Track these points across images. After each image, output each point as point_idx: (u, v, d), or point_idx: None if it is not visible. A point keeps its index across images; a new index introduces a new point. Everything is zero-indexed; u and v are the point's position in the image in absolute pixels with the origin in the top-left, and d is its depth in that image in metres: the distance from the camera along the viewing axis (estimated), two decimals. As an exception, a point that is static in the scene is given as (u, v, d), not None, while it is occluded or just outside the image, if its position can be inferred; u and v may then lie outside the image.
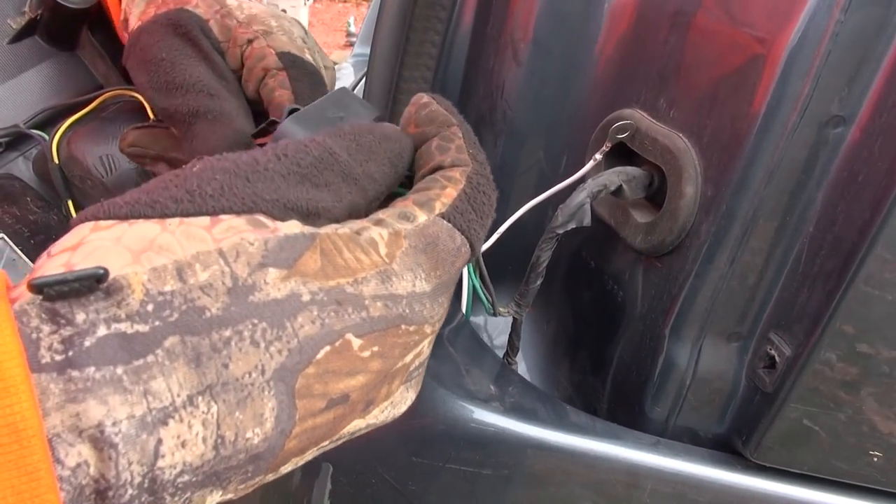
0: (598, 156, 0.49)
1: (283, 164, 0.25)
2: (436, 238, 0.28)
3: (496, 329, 0.65)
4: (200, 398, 0.20)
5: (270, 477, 0.25)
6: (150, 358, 0.19)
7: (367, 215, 0.29)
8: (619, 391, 0.54)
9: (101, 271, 0.19)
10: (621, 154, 0.50)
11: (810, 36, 0.39)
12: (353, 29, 6.20)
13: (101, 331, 0.19)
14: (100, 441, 0.18)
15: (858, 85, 0.38)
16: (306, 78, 0.40)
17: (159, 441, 0.19)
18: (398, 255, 0.26)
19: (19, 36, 0.53)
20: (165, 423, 0.20)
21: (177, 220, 0.22)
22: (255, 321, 0.22)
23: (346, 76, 1.34)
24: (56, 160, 0.48)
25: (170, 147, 0.41)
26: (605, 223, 0.53)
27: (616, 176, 0.47)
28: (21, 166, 0.53)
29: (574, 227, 0.45)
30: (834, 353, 0.41)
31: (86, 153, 0.47)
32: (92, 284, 0.19)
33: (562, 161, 0.59)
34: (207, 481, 0.21)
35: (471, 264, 0.43)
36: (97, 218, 0.22)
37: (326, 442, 0.26)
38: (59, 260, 0.21)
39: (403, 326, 0.26)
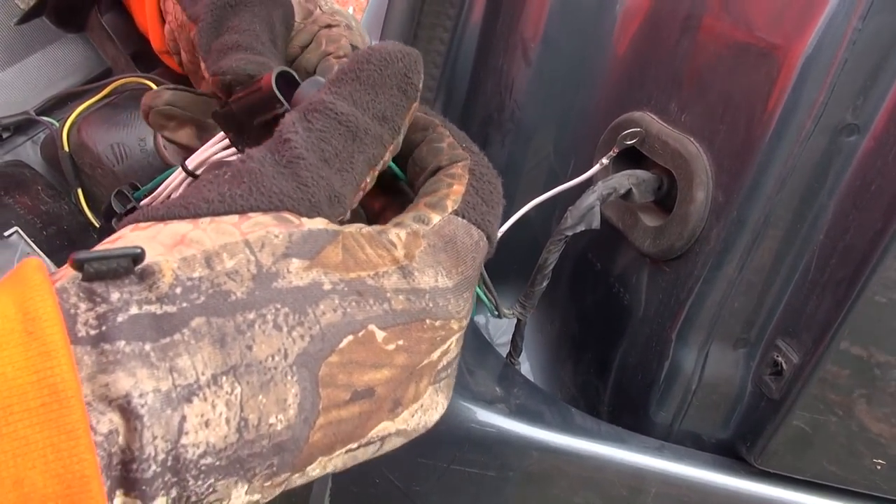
0: (605, 160, 0.49)
1: (304, 163, 0.26)
2: (453, 236, 0.28)
3: (498, 329, 0.65)
4: (224, 378, 0.21)
5: (298, 479, 0.25)
6: (177, 336, 0.20)
7: (391, 156, 0.30)
8: (623, 394, 0.54)
9: (138, 250, 0.21)
10: (630, 156, 0.50)
11: (827, 43, 0.38)
12: (352, 20, 6.16)
13: (133, 310, 0.20)
14: (127, 411, 0.19)
15: (874, 94, 0.38)
16: None
17: (183, 417, 0.20)
18: (417, 254, 0.27)
19: (27, 17, 0.53)
20: (190, 401, 0.20)
21: (208, 219, 0.24)
22: (279, 306, 0.22)
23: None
24: (66, 148, 0.47)
25: (201, 112, 0.41)
26: (613, 226, 0.53)
27: (626, 179, 0.47)
28: (29, 150, 0.52)
29: (583, 229, 0.45)
30: (842, 362, 0.41)
31: (96, 141, 0.47)
32: (128, 264, 0.20)
33: (570, 161, 0.59)
34: (231, 469, 0.21)
35: None
36: (137, 221, 0.24)
37: (355, 445, 0.26)
38: None
39: (428, 321, 0.26)
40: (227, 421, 0.21)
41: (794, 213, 0.42)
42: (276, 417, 0.22)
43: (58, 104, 0.53)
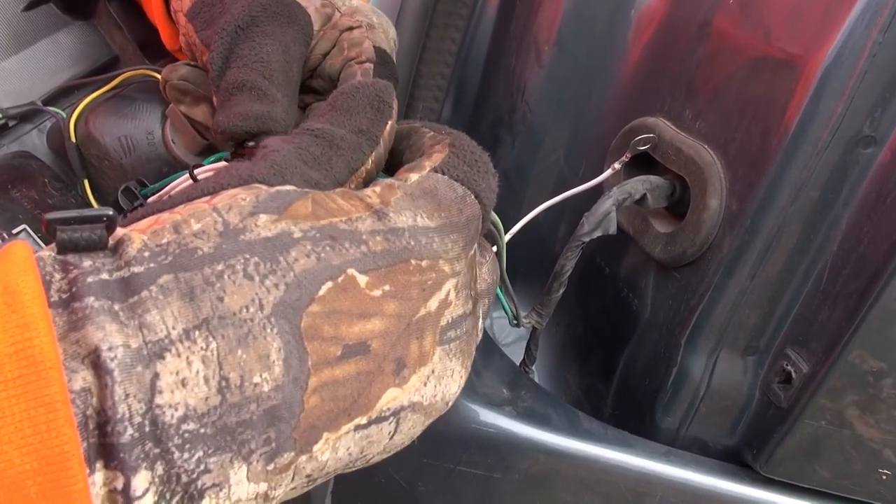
0: (616, 165, 0.49)
1: (279, 154, 0.27)
2: (434, 188, 0.27)
3: (503, 331, 0.65)
4: (197, 332, 0.20)
5: (307, 463, 0.23)
6: (144, 293, 0.20)
7: (377, 169, 0.30)
8: (628, 398, 0.54)
9: (110, 211, 0.21)
10: (640, 162, 0.50)
11: (847, 55, 0.39)
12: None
13: (104, 276, 0.20)
14: (98, 367, 0.19)
15: (892, 106, 0.39)
16: (387, 79, 0.40)
17: (156, 375, 0.19)
18: (393, 200, 0.26)
19: (35, 3, 0.52)
20: (162, 357, 0.19)
21: (183, 204, 0.24)
22: (247, 256, 0.22)
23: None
24: (73, 139, 0.46)
25: None
26: (623, 231, 0.53)
27: (640, 184, 0.47)
28: (35, 139, 0.51)
29: (600, 234, 0.45)
30: (851, 373, 0.41)
31: (104, 133, 0.46)
32: (101, 233, 0.21)
33: (580, 165, 0.59)
34: (221, 440, 0.20)
35: None
36: (123, 226, 0.24)
37: (364, 419, 0.24)
38: None
39: (413, 261, 0.25)
40: (206, 380, 0.20)
41: (808, 224, 0.42)
42: (261, 376, 0.21)
43: (64, 93, 0.52)
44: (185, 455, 0.20)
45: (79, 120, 0.46)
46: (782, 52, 0.42)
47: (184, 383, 0.20)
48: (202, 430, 0.20)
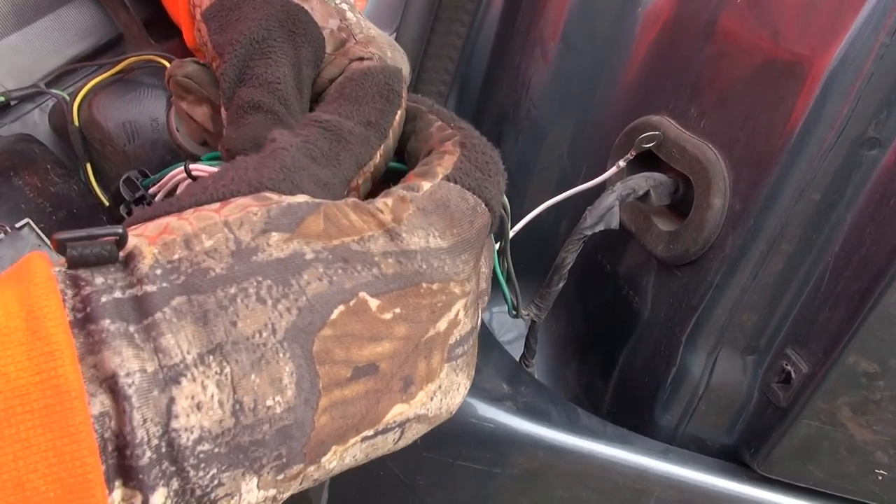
0: (621, 163, 0.49)
1: (288, 154, 0.27)
2: (445, 200, 0.27)
3: (502, 326, 0.65)
4: (211, 357, 0.20)
5: (315, 473, 0.24)
6: (158, 315, 0.20)
7: (384, 161, 0.30)
8: (627, 395, 0.54)
9: (121, 230, 0.20)
10: (644, 160, 0.50)
11: (853, 57, 0.39)
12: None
13: (117, 294, 0.20)
14: (115, 393, 0.19)
15: (898, 109, 0.39)
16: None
17: (172, 399, 0.19)
18: (405, 216, 0.26)
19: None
20: (177, 382, 0.20)
21: (191, 210, 0.24)
22: (260, 279, 0.22)
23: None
24: (77, 122, 0.46)
25: (218, 95, 0.40)
26: (625, 228, 0.53)
27: (644, 181, 0.47)
28: (36, 118, 0.51)
29: (602, 229, 0.45)
30: (851, 374, 0.41)
31: (107, 118, 0.46)
32: (111, 248, 0.20)
33: (583, 162, 0.59)
34: (234, 458, 0.21)
35: (497, 261, 0.43)
36: (128, 225, 0.24)
37: (371, 431, 0.24)
38: None
39: (424, 285, 0.25)
40: (221, 403, 0.20)
41: (811, 224, 0.42)
42: (274, 399, 0.21)
43: (66, 74, 0.51)
44: (201, 473, 0.20)
45: (82, 103, 0.46)
46: (789, 52, 0.42)
47: (199, 407, 0.20)
48: (216, 450, 0.20)
